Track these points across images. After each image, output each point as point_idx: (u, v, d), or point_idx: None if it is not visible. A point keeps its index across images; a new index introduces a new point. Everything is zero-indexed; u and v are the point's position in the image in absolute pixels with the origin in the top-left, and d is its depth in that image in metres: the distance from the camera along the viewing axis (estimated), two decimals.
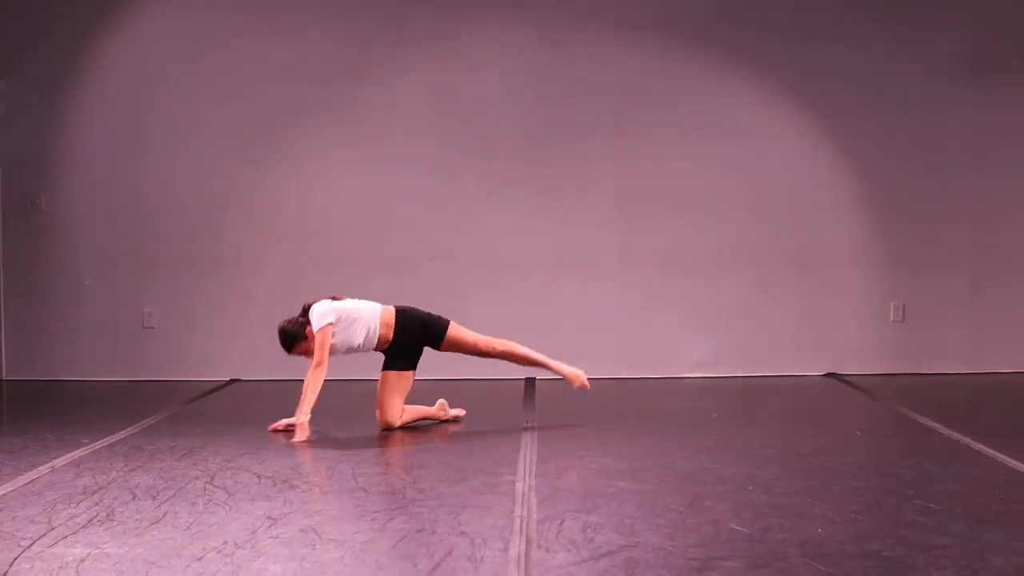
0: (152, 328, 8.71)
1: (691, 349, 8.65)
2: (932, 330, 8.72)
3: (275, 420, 6.47)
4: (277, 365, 8.59)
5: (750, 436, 6.19)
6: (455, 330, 6.51)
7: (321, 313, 6.27)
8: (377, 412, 6.42)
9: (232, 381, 8.64)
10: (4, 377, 8.81)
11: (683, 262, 8.64)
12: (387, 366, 6.45)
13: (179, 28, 8.73)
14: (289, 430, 6.21)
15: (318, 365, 6.19)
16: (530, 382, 8.31)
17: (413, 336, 6.43)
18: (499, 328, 8.56)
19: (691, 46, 8.57)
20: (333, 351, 6.29)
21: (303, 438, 6.06)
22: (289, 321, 6.38)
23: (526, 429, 6.43)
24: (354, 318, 6.34)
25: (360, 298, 6.56)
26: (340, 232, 8.69)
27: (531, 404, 7.45)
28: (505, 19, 8.65)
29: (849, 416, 7.21)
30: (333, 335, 6.25)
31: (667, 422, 6.80)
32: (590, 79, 8.60)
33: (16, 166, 8.77)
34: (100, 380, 8.63)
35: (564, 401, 7.30)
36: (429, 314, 6.52)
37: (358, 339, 6.33)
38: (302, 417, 6.13)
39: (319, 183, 8.68)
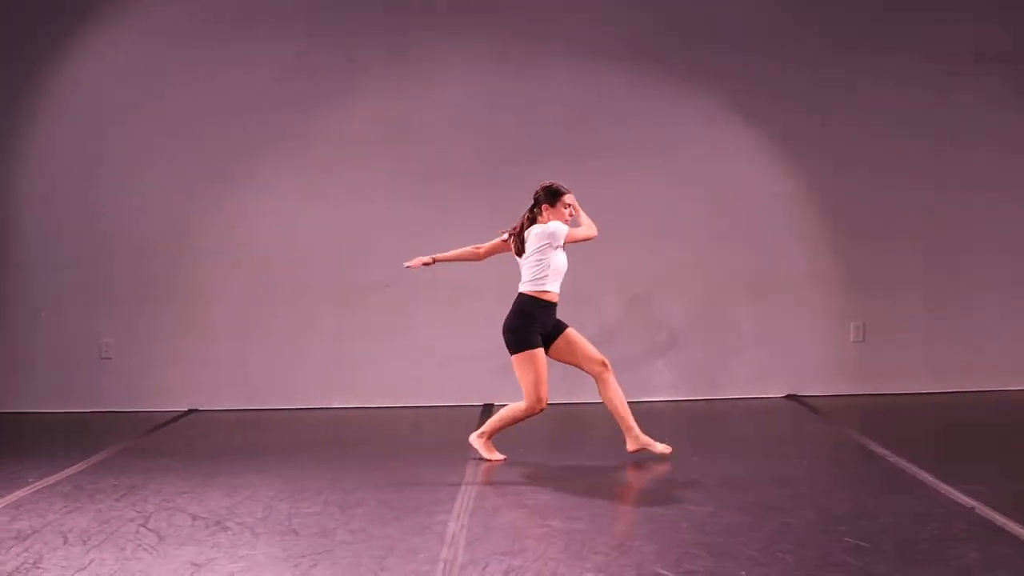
0: (110, 359, 8.68)
1: (651, 372, 8.62)
2: (892, 350, 8.72)
3: (229, 452, 6.59)
4: (234, 394, 8.63)
5: (696, 466, 6.16)
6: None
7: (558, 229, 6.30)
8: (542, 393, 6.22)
9: (190, 411, 8.61)
10: None
11: (640, 284, 8.64)
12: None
13: (133, 59, 8.70)
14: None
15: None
16: (487, 408, 8.29)
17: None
18: (447, 347, 8.60)
19: (644, 67, 8.57)
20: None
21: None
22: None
23: (472, 462, 6.40)
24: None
25: None
26: (293, 262, 8.66)
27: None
28: (456, 43, 8.64)
29: (800, 442, 7.12)
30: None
31: (616, 453, 6.76)
32: (541, 103, 8.59)
33: None
34: (57, 412, 8.60)
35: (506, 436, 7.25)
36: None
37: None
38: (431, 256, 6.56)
39: (272, 213, 8.66)
